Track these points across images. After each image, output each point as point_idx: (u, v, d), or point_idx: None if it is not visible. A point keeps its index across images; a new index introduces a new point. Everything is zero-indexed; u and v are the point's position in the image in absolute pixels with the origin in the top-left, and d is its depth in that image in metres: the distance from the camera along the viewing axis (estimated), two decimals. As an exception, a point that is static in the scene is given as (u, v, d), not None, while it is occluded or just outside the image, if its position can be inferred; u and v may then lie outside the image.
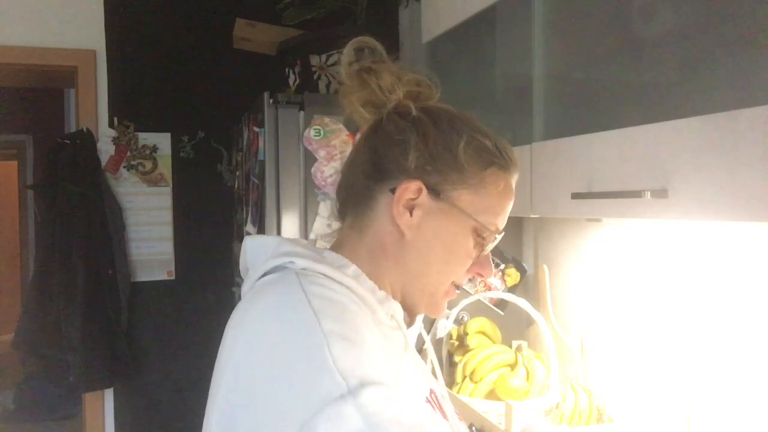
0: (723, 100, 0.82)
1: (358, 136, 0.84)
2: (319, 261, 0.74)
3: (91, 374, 2.60)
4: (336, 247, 0.82)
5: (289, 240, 0.80)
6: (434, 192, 0.76)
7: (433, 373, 0.89)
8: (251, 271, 0.79)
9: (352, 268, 0.77)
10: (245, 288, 0.78)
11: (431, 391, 0.77)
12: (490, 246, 0.80)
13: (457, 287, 0.82)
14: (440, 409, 0.77)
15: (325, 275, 0.73)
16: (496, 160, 0.78)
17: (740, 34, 0.83)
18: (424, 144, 0.76)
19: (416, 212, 0.76)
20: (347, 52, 0.81)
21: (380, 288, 0.78)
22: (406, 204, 0.76)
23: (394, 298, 0.80)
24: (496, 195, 0.79)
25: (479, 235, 0.78)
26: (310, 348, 0.61)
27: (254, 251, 0.81)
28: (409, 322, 0.84)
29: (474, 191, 0.77)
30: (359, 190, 0.80)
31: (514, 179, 0.82)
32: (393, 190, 0.76)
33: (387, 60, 0.81)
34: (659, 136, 0.91)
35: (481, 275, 0.82)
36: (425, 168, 0.76)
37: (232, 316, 0.75)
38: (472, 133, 0.78)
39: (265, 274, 0.76)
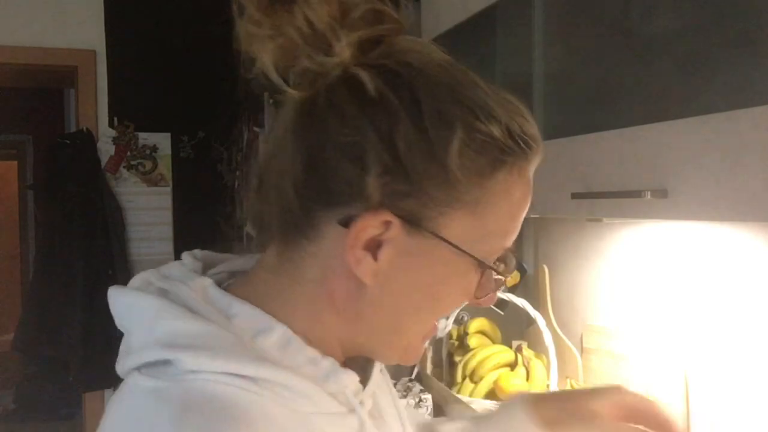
0: (723, 100, 0.82)
1: (267, 116, 0.56)
2: (223, 346, 0.48)
3: (91, 374, 2.60)
4: (252, 293, 0.53)
5: (171, 303, 0.51)
6: (411, 223, 0.49)
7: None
8: (126, 337, 0.53)
9: (278, 333, 0.51)
10: (120, 363, 0.52)
11: None
12: (503, 281, 0.56)
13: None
14: None
15: (229, 374, 0.47)
16: (509, 158, 0.50)
17: (740, 34, 0.83)
18: (392, 151, 0.47)
19: (383, 253, 0.50)
20: None
21: (323, 352, 0.53)
22: (368, 244, 0.49)
23: (345, 354, 0.56)
24: (507, 208, 0.52)
25: (483, 269, 0.53)
26: None
27: (124, 317, 0.54)
28: (365, 365, 0.61)
29: (472, 211, 0.50)
30: (290, 211, 0.51)
31: (533, 168, 0.54)
32: (344, 223, 0.49)
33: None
34: (659, 136, 0.91)
35: (480, 305, 0.56)
36: (395, 189, 0.48)
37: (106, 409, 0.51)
38: (470, 120, 0.49)
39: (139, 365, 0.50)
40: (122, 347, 0.53)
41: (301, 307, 0.53)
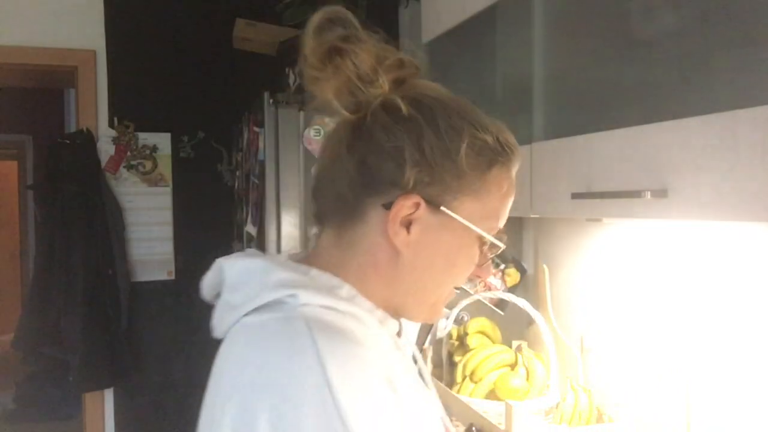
0: (723, 100, 0.82)
1: (329, 130, 0.75)
2: (317, 289, 0.67)
3: (91, 374, 2.60)
4: (319, 263, 0.72)
5: (277, 263, 0.70)
6: (433, 205, 0.68)
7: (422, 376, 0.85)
8: (232, 301, 0.69)
9: (346, 289, 0.70)
10: (223, 320, 0.69)
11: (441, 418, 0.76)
12: (498, 250, 0.75)
13: (457, 288, 0.78)
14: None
15: (327, 307, 0.65)
16: (500, 158, 0.71)
17: (740, 34, 0.83)
18: (420, 152, 0.67)
19: (414, 228, 0.69)
20: (313, 25, 0.68)
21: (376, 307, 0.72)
22: (403, 221, 0.68)
23: (387, 312, 0.74)
24: (499, 197, 0.72)
25: (483, 242, 0.72)
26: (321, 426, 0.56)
27: (238, 278, 0.70)
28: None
29: (476, 197, 0.70)
30: (345, 202, 0.70)
31: (515, 170, 0.75)
32: (387, 206, 0.68)
33: (363, 37, 0.70)
34: (659, 136, 0.91)
35: (480, 277, 0.78)
36: (422, 179, 0.67)
37: (221, 353, 0.68)
38: (473, 131, 0.69)
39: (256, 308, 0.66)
40: (223, 308, 0.70)
41: (353, 273, 0.71)
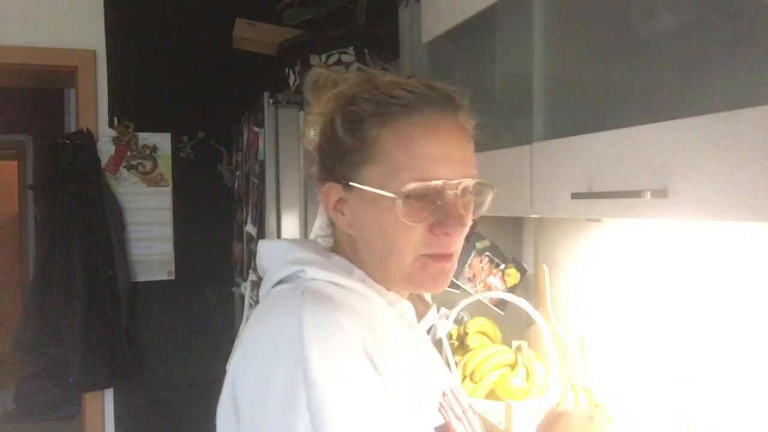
0: (723, 100, 0.82)
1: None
2: (327, 268, 0.75)
3: (91, 374, 2.60)
4: (336, 249, 0.82)
5: (299, 245, 0.80)
6: (344, 184, 0.76)
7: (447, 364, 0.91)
8: (266, 276, 0.80)
9: (358, 272, 0.77)
10: (262, 291, 0.80)
11: (444, 394, 0.78)
12: (427, 199, 0.73)
13: (433, 257, 0.75)
14: (453, 411, 0.78)
15: (333, 283, 0.74)
16: (375, 118, 0.74)
17: (740, 34, 0.83)
18: (324, 142, 0.79)
19: (345, 210, 0.77)
20: (307, 83, 0.84)
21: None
22: (335, 206, 0.78)
23: (389, 290, 0.79)
24: (399, 150, 0.72)
25: (409, 197, 0.72)
26: (287, 391, 0.63)
27: (268, 257, 0.82)
28: (423, 311, 0.84)
29: (374, 161, 0.73)
30: None
31: (424, 114, 0.74)
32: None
33: (330, 84, 0.81)
34: (659, 136, 0.91)
35: (447, 233, 0.74)
36: (328, 167, 0.78)
37: (249, 317, 0.78)
38: (346, 106, 0.76)
39: (279, 281, 0.77)
40: (263, 282, 0.81)
41: (353, 254, 0.79)
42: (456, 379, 0.90)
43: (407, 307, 0.80)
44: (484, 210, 0.79)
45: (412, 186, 0.71)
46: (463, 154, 0.75)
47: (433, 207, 0.73)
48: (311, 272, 0.75)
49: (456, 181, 0.73)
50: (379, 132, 0.73)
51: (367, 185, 0.74)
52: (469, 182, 0.74)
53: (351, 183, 0.75)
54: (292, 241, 0.83)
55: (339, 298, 0.71)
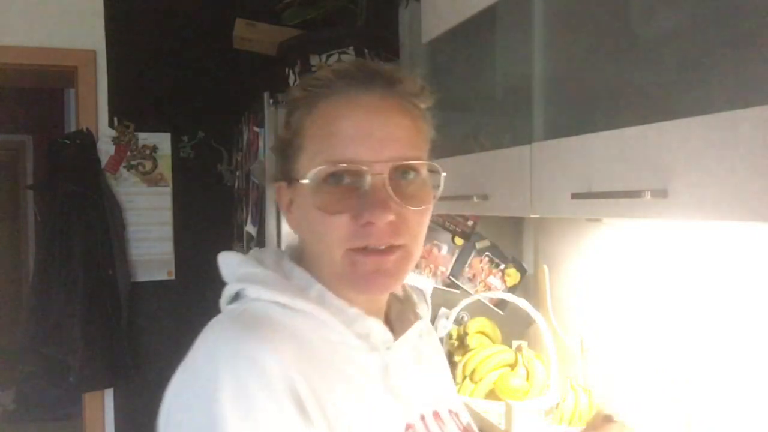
0: (723, 100, 0.82)
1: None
2: (273, 286, 0.68)
3: (91, 374, 2.60)
4: (300, 257, 0.75)
5: (253, 258, 0.74)
6: (288, 181, 0.73)
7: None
8: (222, 292, 0.75)
9: (317, 289, 0.70)
10: (221, 308, 0.74)
11: (423, 417, 0.71)
12: (361, 181, 0.65)
13: (362, 251, 0.67)
14: None
15: (278, 303, 0.67)
16: (302, 106, 0.70)
17: (740, 34, 0.83)
18: (274, 141, 0.77)
19: (294, 209, 0.74)
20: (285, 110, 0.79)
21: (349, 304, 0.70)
22: (288, 207, 0.74)
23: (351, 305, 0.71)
24: (316, 130, 0.68)
25: (326, 183, 0.66)
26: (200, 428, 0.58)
27: (224, 271, 0.75)
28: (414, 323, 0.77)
29: (303, 149, 0.70)
30: None
31: (343, 94, 0.68)
32: None
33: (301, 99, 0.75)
34: (659, 136, 0.91)
35: (370, 221, 0.65)
36: (280, 164, 0.74)
37: None
38: (287, 98, 0.75)
39: (234, 298, 0.72)
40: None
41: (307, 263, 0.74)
42: (456, 398, 0.83)
43: (373, 326, 0.70)
44: (439, 193, 0.71)
45: (318, 170, 0.65)
46: (389, 131, 0.66)
47: (357, 193, 0.65)
48: (253, 292, 0.68)
49: (374, 162, 0.64)
50: (305, 118, 0.69)
51: (298, 177, 0.69)
52: (390, 164, 0.65)
53: (289, 178, 0.72)
54: (254, 252, 0.76)
55: (279, 322, 0.64)
